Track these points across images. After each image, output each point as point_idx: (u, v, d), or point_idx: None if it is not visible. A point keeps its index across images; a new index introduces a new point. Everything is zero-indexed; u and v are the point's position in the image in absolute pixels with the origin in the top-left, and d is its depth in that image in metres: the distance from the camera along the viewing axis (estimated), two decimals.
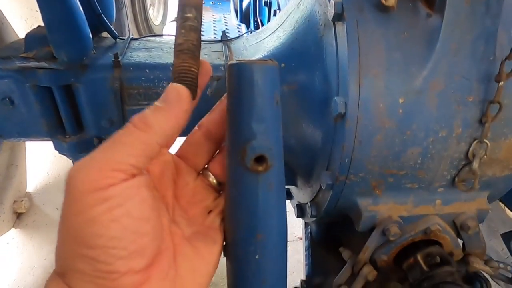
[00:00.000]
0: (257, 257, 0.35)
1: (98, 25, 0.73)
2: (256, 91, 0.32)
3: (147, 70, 0.68)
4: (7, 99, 0.66)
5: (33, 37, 0.66)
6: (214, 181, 0.38)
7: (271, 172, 0.33)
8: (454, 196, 0.64)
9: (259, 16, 1.53)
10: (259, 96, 0.32)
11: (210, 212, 0.37)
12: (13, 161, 1.13)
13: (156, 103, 0.32)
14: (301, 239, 1.60)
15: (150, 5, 4.12)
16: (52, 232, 1.12)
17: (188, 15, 0.37)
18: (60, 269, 0.29)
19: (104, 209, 0.27)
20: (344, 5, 0.55)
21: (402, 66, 0.54)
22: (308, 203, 0.73)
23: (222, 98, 0.39)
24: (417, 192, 0.63)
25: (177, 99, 0.31)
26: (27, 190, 1.16)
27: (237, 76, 0.33)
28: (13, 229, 1.09)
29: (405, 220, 0.62)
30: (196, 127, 0.39)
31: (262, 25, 1.52)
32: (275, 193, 0.34)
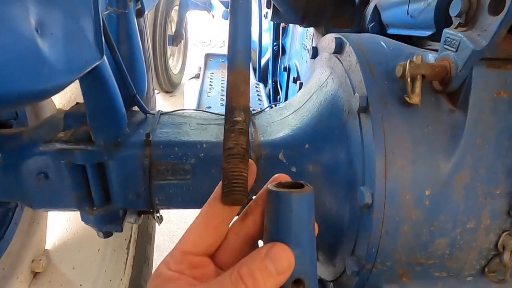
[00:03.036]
0: None
1: (131, 102, 0.78)
2: (294, 219, 0.34)
3: (176, 148, 0.71)
4: (42, 174, 0.70)
5: (71, 116, 0.70)
6: None
7: None
8: (485, 285, 0.62)
9: (278, 77, 1.59)
10: (297, 223, 0.34)
11: None
12: (35, 219, 1.14)
13: (265, 262, 0.32)
14: None
15: (170, 55, 4.34)
16: None
17: (238, 118, 0.38)
18: None
19: None
20: (369, 99, 0.57)
21: (428, 159, 0.55)
22: (331, 283, 0.72)
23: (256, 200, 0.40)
24: (445, 281, 0.61)
25: (287, 268, 0.33)
26: (45, 248, 1.17)
27: (276, 203, 0.35)
28: None
29: None
30: (234, 235, 0.40)
31: (280, 86, 1.57)
32: None
